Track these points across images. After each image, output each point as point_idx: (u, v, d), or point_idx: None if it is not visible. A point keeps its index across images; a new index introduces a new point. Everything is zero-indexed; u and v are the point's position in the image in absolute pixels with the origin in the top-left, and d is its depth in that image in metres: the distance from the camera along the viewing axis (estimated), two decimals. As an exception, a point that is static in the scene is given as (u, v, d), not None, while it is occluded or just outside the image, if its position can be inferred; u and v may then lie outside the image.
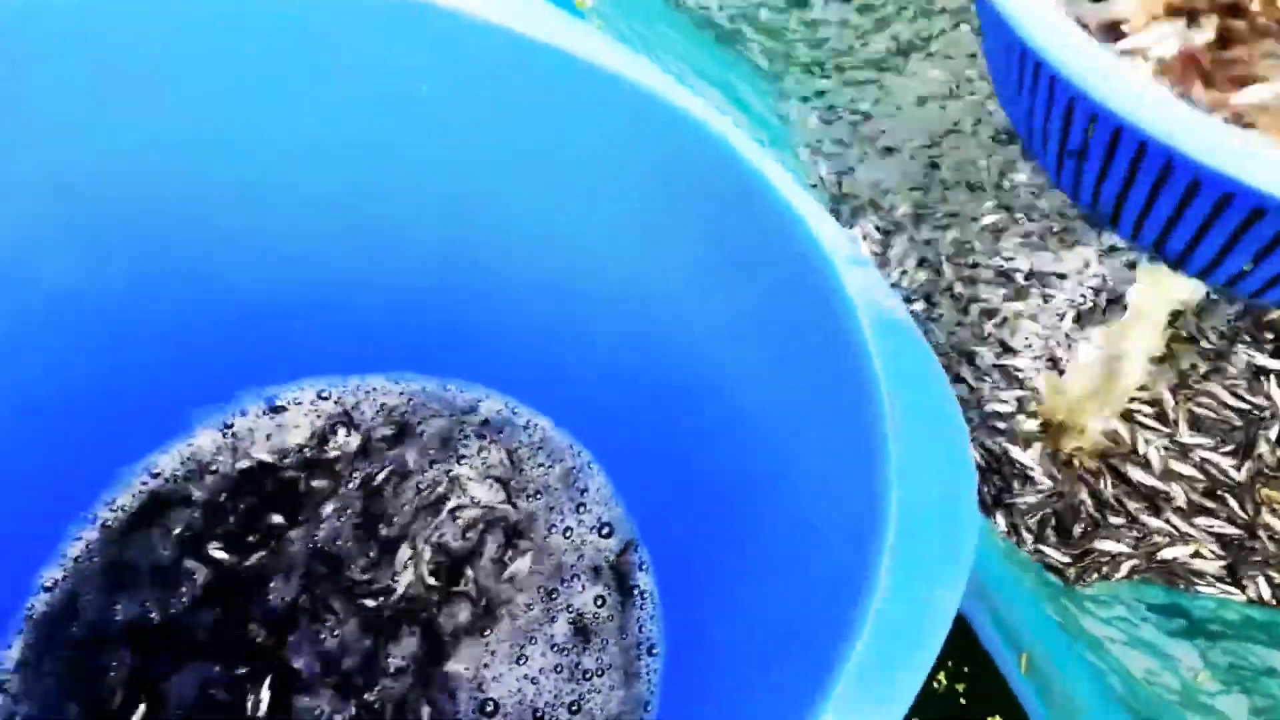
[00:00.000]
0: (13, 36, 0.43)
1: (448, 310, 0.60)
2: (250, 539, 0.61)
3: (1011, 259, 0.77)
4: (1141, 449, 0.66)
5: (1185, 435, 0.66)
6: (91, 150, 0.49)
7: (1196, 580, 0.62)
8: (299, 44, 0.48)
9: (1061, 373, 0.70)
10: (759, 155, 0.40)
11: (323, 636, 0.57)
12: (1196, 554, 0.62)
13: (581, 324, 0.54)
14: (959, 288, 0.76)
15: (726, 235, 0.43)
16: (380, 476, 0.63)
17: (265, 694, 0.55)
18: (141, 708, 0.55)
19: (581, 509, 0.62)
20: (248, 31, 0.47)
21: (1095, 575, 0.62)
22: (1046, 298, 0.74)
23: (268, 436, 0.65)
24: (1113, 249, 0.77)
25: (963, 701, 0.60)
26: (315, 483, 0.63)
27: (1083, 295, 0.74)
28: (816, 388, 0.39)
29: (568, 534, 0.62)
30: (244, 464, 0.64)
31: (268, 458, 0.64)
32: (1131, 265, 0.75)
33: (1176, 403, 0.67)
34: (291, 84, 0.50)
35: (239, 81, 0.49)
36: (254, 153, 0.54)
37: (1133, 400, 0.68)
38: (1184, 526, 0.63)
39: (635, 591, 0.59)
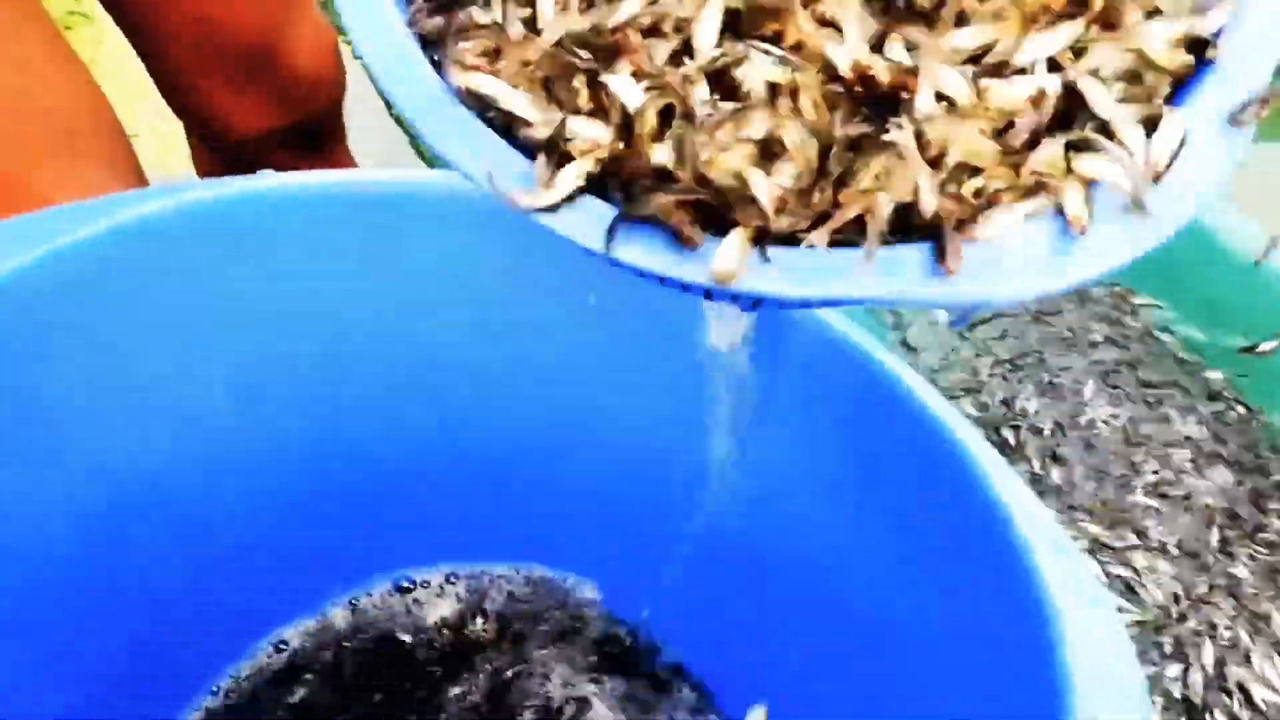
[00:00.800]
0: (231, 228, 0.47)
1: (587, 509, 0.61)
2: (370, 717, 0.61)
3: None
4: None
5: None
6: (280, 334, 0.52)
7: None
8: (456, 260, 0.51)
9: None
10: (923, 387, 0.41)
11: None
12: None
13: (735, 554, 0.54)
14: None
15: (876, 454, 0.44)
16: (508, 672, 0.63)
17: None
18: None
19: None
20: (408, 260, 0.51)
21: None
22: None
23: (394, 616, 0.66)
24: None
25: None
26: (438, 667, 0.63)
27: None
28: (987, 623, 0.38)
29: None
30: (369, 642, 0.64)
31: (398, 636, 0.64)
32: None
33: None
34: (458, 290, 0.53)
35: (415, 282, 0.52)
36: (403, 354, 0.57)
37: None
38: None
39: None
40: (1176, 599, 0.73)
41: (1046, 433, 0.81)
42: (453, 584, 0.67)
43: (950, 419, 0.42)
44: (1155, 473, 0.79)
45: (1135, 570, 0.75)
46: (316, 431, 0.60)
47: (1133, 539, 0.76)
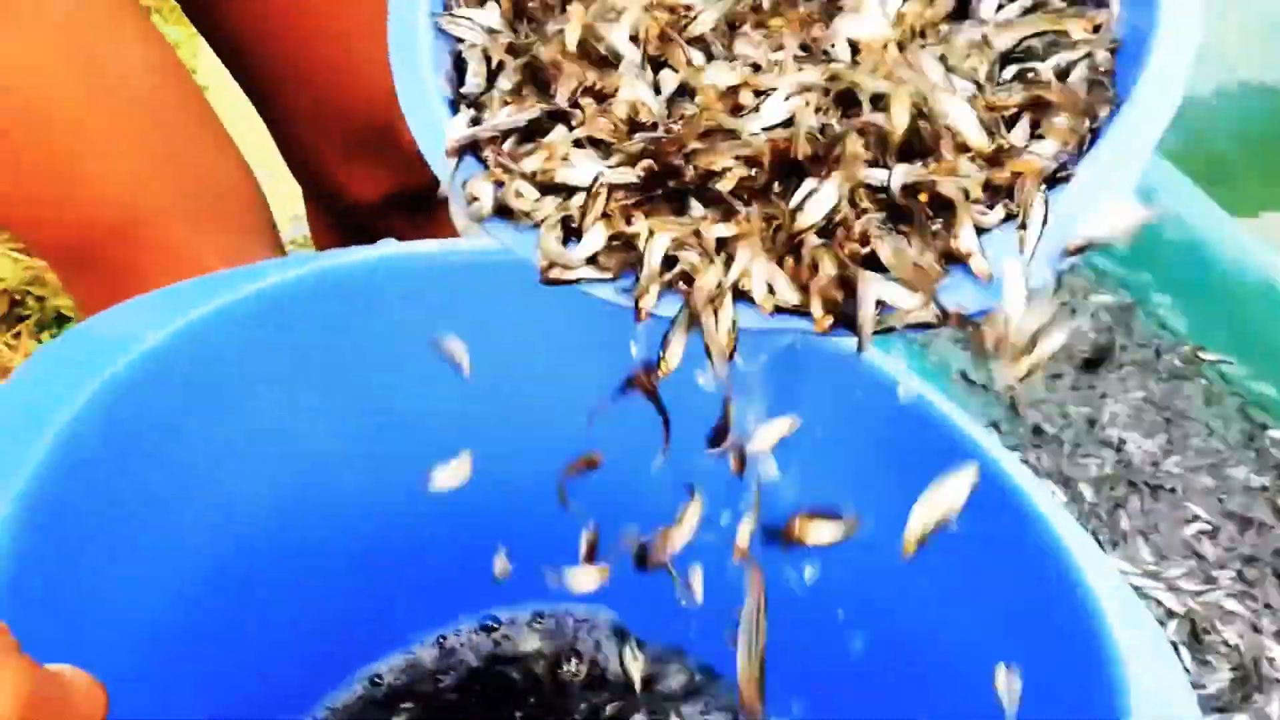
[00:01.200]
0: (359, 292, 0.51)
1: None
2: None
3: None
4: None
5: None
6: (386, 388, 0.56)
7: None
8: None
9: None
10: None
11: None
12: None
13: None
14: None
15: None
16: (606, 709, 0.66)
17: None
18: None
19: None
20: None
21: None
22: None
23: (481, 654, 0.69)
24: None
25: None
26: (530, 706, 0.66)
27: None
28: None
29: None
30: (458, 679, 0.67)
31: (488, 672, 0.67)
32: None
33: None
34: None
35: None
36: (491, 407, 0.60)
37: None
38: None
39: None
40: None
41: (1109, 488, 0.83)
42: (539, 624, 0.70)
43: (1023, 478, 0.44)
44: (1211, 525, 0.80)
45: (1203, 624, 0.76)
46: (409, 479, 0.64)
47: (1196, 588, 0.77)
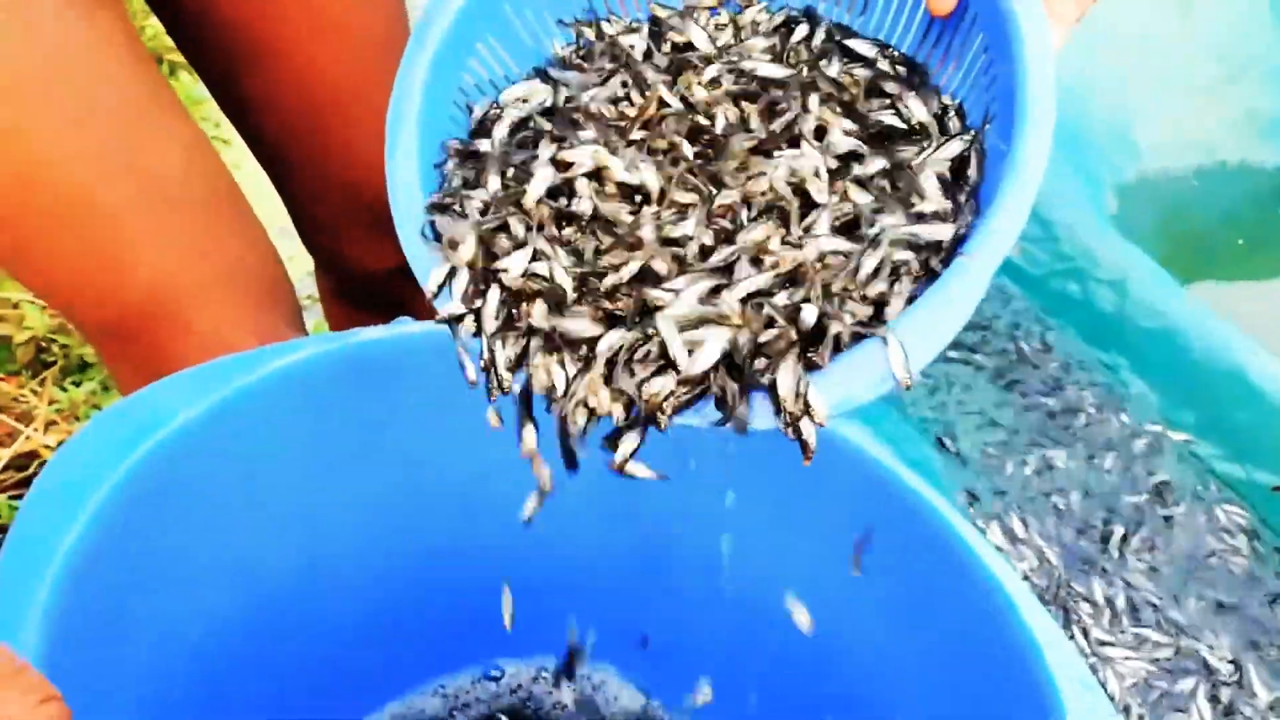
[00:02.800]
0: (375, 368, 0.56)
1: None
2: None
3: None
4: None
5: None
6: (400, 457, 0.61)
7: None
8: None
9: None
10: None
11: None
12: None
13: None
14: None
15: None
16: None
17: None
18: None
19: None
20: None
21: None
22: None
23: (479, 702, 0.73)
24: None
25: None
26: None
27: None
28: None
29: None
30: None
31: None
32: None
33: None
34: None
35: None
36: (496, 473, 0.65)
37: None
38: None
39: None
40: None
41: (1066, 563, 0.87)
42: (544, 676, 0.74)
43: (985, 554, 0.49)
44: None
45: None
46: (420, 539, 0.69)
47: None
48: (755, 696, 0.64)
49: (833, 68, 0.51)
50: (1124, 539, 0.88)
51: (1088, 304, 1.03)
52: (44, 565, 0.44)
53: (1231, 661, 0.80)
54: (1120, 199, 1.25)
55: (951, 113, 0.49)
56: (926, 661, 0.53)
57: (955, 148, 0.46)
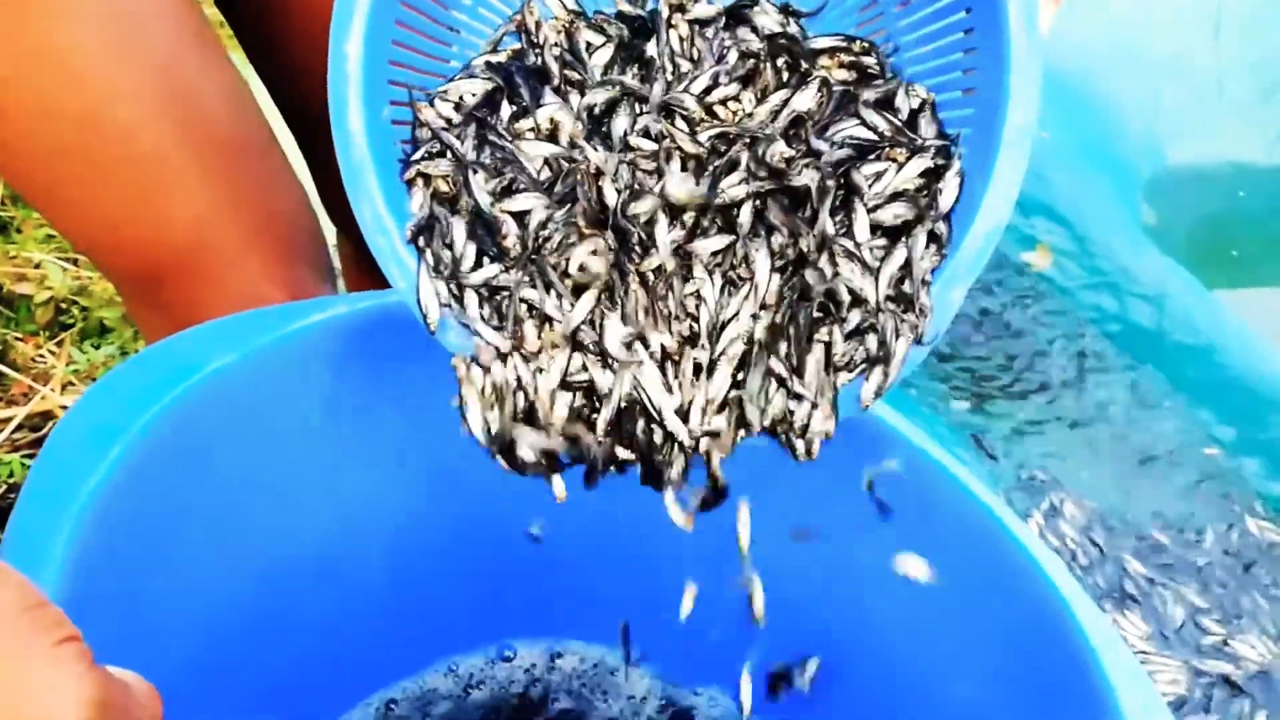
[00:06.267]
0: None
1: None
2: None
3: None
4: None
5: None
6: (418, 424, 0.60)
7: None
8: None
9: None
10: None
11: None
12: None
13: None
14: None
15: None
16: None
17: None
18: None
19: None
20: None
21: None
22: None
23: (491, 681, 0.72)
24: None
25: None
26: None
27: None
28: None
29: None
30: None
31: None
32: None
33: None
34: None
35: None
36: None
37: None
38: None
39: None
40: None
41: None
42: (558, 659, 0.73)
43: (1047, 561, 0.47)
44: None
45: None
46: (444, 511, 0.67)
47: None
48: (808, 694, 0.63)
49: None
50: (1161, 553, 0.86)
51: (1123, 318, 1.01)
52: (68, 503, 0.43)
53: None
54: (1157, 212, 1.25)
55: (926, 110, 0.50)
56: (983, 664, 0.51)
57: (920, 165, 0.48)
